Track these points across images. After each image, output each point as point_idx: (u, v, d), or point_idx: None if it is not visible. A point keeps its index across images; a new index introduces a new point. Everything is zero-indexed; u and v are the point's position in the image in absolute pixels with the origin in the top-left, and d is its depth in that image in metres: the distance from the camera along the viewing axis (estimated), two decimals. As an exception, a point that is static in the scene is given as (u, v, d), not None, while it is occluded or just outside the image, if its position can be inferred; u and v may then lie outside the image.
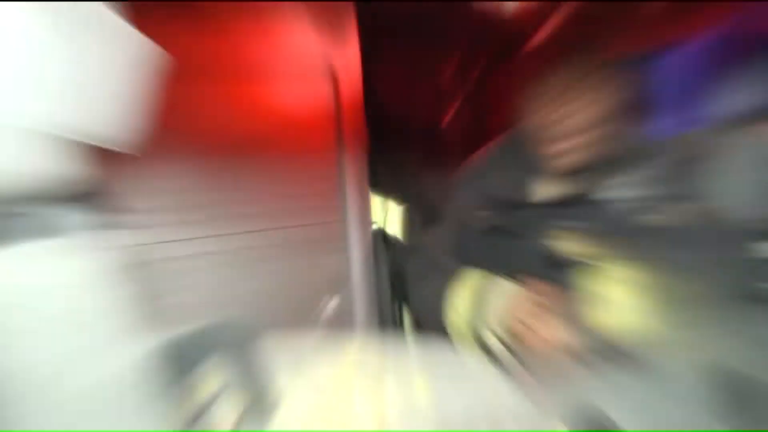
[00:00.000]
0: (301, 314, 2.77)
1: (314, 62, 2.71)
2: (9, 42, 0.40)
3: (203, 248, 2.59)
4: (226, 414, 0.58)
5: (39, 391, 0.39)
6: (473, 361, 0.81)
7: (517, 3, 2.56)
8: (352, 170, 2.84)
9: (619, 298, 1.57)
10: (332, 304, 2.86)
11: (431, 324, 2.00)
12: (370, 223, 2.92)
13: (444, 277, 2.02)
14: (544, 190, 2.01)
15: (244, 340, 0.41)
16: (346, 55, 2.76)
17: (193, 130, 2.55)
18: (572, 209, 1.81)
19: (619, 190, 1.86)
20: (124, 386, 0.41)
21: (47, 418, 0.40)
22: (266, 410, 0.43)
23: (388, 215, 3.00)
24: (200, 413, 0.42)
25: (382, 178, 2.97)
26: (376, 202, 2.94)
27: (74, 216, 0.98)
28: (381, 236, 2.94)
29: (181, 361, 0.41)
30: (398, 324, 3.05)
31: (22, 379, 0.39)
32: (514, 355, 1.70)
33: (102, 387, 0.40)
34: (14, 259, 0.39)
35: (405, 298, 2.98)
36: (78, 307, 0.40)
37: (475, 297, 1.88)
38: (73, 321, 0.39)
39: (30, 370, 0.39)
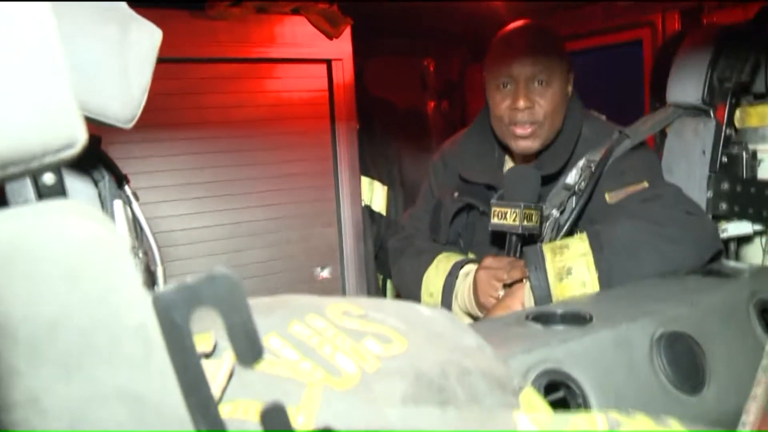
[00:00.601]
0: (297, 282, 2.78)
1: (311, 52, 2.69)
2: (19, 20, 0.38)
3: (203, 222, 2.59)
4: (218, 368, 0.57)
5: (33, 345, 0.38)
6: (446, 321, 0.80)
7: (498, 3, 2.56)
8: (345, 152, 2.83)
9: (577, 269, 1.58)
10: (325, 273, 2.86)
11: (408, 297, 2.02)
12: (360, 201, 2.92)
13: (418, 257, 2.03)
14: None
15: (234, 291, 0.40)
16: (341, 47, 2.74)
17: (195, 110, 2.54)
18: (512, 190, 1.80)
19: (573, 173, 1.86)
20: (125, 336, 0.40)
21: (40, 367, 0.39)
22: (254, 362, 0.42)
23: (374, 194, 2.99)
24: (193, 366, 0.41)
25: (369, 161, 2.97)
26: (363, 182, 2.94)
27: (84, 185, 0.97)
28: (368, 213, 2.95)
29: (173, 314, 0.40)
30: (383, 294, 3.06)
31: (16, 330, 0.38)
32: (481, 322, 1.71)
33: (99, 338, 0.39)
34: (23, 216, 0.38)
35: (387, 269, 2.98)
36: (72, 261, 0.39)
37: (444, 280, 1.90)
38: (78, 274, 0.38)
39: (26, 321, 0.38)
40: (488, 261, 1.78)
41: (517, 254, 1.78)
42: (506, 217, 1.75)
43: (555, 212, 1.81)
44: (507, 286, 1.72)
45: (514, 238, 1.78)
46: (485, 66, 1.98)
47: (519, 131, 1.85)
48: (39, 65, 0.39)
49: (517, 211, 1.73)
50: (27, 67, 0.39)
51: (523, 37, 1.91)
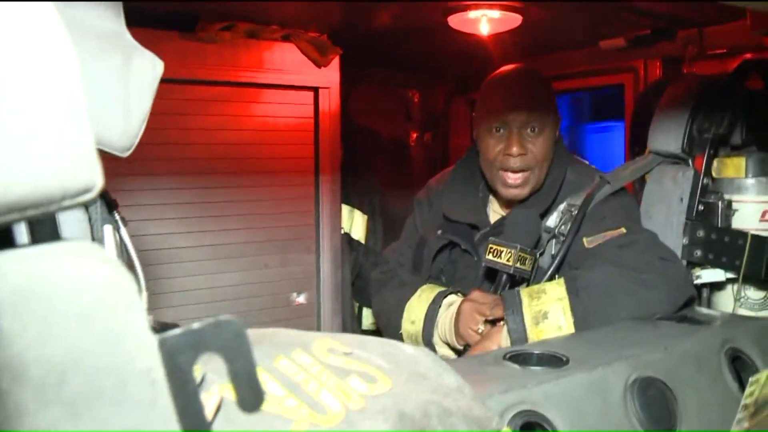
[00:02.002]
0: (272, 307, 2.77)
1: (299, 79, 2.71)
2: (47, 63, 0.40)
3: (182, 243, 2.58)
4: (206, 401, 0.58)
5: (43, 386, 0.39)
6: (428, 361, 0.82)
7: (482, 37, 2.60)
8: (327, 180, 2.84)
9: (554, 314, 1.61)
10: (300, 299, 2.86)
11: (388, 330, 2.03)
12: (340, 228, 2.93)
13: (401, 287, 2.05)
14: (495, 213, 2.05)
15: (239, 337, 0.41)
16: (328, 76, 2.77)
17: (179, 131, 2.54)
18: (512, 231, 1.83)
19: (554, 217, 1.90)
20: (133, 380, 0.41)
21: (49, 407, 0.40)
22: (255, 407, 0.43)
23: (354, 222, 3.01)
24: (195, 409, 0.42)
25: (351, 189, 2.99)
26: (344, 210, 2.95)
27: (75, 210, 0.97)
28: (346, 241, 2.96)
29: (178, 359, 0.41)
30: (358, 321, 3.07)
31: (27, 370, 0.39)
32: (460, 360, 1.73)
33: (108, 381, 0.40)
34: (36, 257, 0.39)
35: (364, 297, 2.99)
36: (86, 304, 0.40)
37: (427, 308, 1.91)
38: (89, 317, 0.39)
39: (37, 362, 0.39)
40: (475, 294, 1.80)
41: (503, 289, 1.80)
42: (501, 255, 1.78)
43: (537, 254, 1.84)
44: (489, 322, 1.74)
45: (504, 277, 1.81)
46: (477, 106, 2.01)
47: (510, 179, 1.89)
48: (64, 109, 0.41)
49: (513, 251, 1.76)
50: (52, 110, 0.40)
51: (518, 83, 1.95)
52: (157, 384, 0.41)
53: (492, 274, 1.87)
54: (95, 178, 0.41)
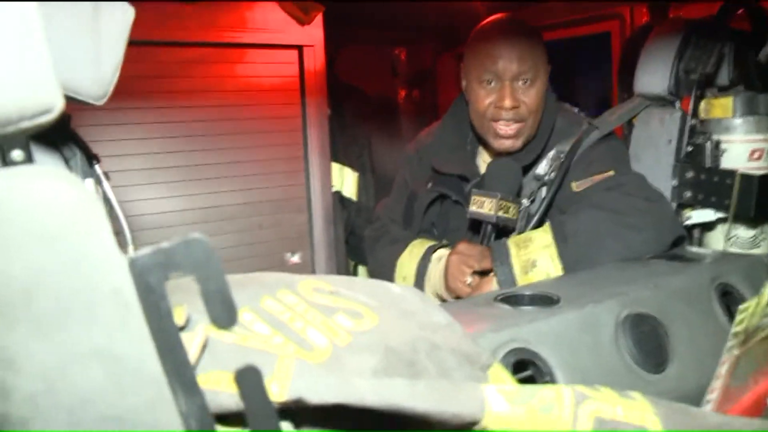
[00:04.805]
0: (267, 268, 2.77)
1: (282, 38, 2.68)
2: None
3: (172, 206, 2.57)
4: (191, 340, 0.57)
5: (9, 306, 0.38)
6: (417, 299, 0.81)
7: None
8: (315, 138, 2.82)
9: (542, 261, 1.61)
10: (295, 258, 2.86)
11: None
12: (330, 186, 2.91)
13: (393, 244, 2.04)
14: (484, 164, 2.03)
15: (208, 255, 0.40)
16: (312, 34, 2.73)
17: (167, 94, 2.51)
18: (492, 181, 1.82)
19: (543, 164, 1.89)
20: (101, 298, 0.40)
21: (15, 329, 0.39)
22: (229, 324, 0.43)
23: (344, 180, 3.00)
24: (168, 328, 0.41)
25: (340, 147, 2.97)
26: (334, 168, 2.94)
27: (55, 163, 0.95)
28: (338, 199, 2.95)
29: (148, 278, 0.40)
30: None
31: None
32: (451, 303, 1.73)
33: (75, 301, 0.39)
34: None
35: (358, 255, 2.99)
36: (52, 225, 0.39)
37: (417, 264, 1.91)
38: (53, 237, 0.38)
39: (6, 282, 0.38)
40: (461, 247, 1.79)
41: (490, 243, 1.79)
42: (483, 206, 1.77)
43: (525, 201, 1.82)
44: (477, 274, 1.74)
45: (489, 227, 1.80)
46: (465, 58, 1.98)
47: (502, 130, 1.86)
48: (17, 31, 0.39)
49: (494, 201, 1.75)
50: (4, 33, 0.38)
51: (509, 34, 1.91)
52: (128, 303, 0.40)
53: (478, 226, 1.86)
54: (54, 99, 0.40)
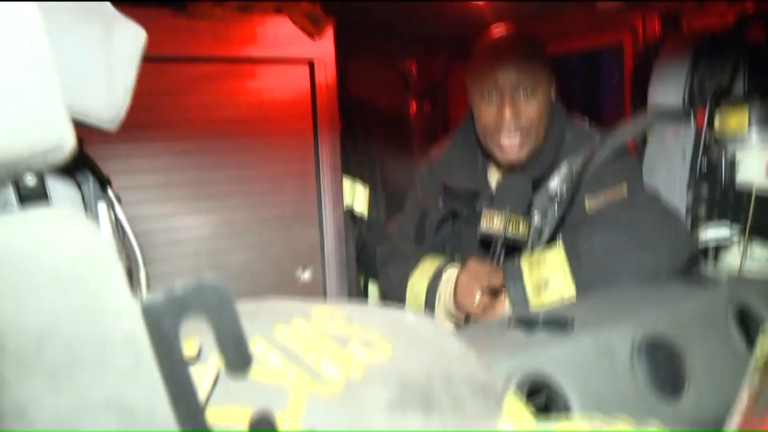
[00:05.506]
0: (278, 284, 2.76)
1: (293, 52, 2.68)
2: (7, 22, 0.38)
3: (184, 223, 2.57)
4: (203, 374, 0.57)
5: (21, 357, 0.38)
6: (430, 328, 0.80)
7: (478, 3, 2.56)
8: (327, 154, 2.82)
9: (555, 281, 1.60)
10: (306, 274, 2.85)
11: (394, 302, 2.04)
12: (342, 202, 2.91)
13: (405, 263, 2.04)
14: (493, 180, 2.02)
15: (223, 299, 0.40)
16: (323, 48, 2.73)
17: (175, 109, 2.52)
18: (502, 196, 1.82)
19: (555, 180, 1.88)
20: (113, 346, 0.39)
21: (28, 378, 0.38)
22: (242, 370, 0.42)
23: (356, 196, 2.99)
24: (182, 375, 0.41)
25: (351, 162, 2.97)
26: (345, 183, 2.93)
27: (68, 187, 0.96)
28: (349, 214, 2.94)
29: (162, 323, 0.40)
30: (364, 295, 3.06)
31: (3, 340, 0.37)
32: (463, 328, 1.72)
33: (88, 348, 0.39)
34: (11, 224, 0.38)
35: (369, 271, 2.98)
36: (62, 270, 0.39)
37: (428, 282, 1.91)
38: (66, 283, 0.38)
39: (13, 332, 0.37)
40: (471, 264, 1.79)
41: (500, 260, 1.79)
42: (493, 222, 1.77)
43: (537, 218, 1.82)
44: (488, 291, 1.73)
45: (499, 243, 1.79)
46: (468, 72, 1.99)
47: (505, 142, 1.86)
48: (27, 67, 0.39)
49: (503, 216, 1.75)
50: (14, 69, 0.38)
51: (507, 46, 1.92)
52: (140, 349, 0.40)
53: (490, 243, 1.85)
54: (65, 136, 0.40)
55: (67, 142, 0.40)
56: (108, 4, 0.87)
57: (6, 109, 0.37)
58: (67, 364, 0.38)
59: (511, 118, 1.83)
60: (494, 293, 1.73)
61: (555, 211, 1.82)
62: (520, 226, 1.76)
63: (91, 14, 0.83)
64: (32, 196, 0.77)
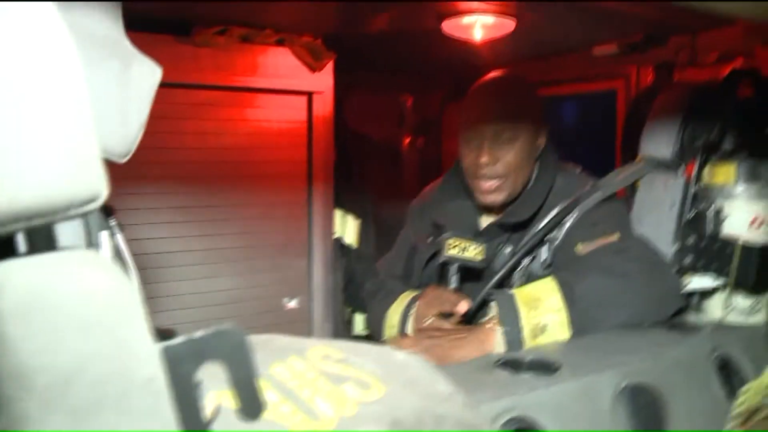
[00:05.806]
0: (264, 311, 2.77)
1: (292, 84, 2.72)
2: (39, 63, 0.41)
3: (174, 247, 2.58)
4: (219, 418, 0.59)
5: (47, 394, 0.40)
6: (420, 367, 0.82)
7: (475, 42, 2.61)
8: (320, 185, 2.85)
9: (552, 327, 1.61)
10: (292, 303, 2.86)
11: (378, 340, 2.06)
12: (332, 233, 2.93)
13: (387, 297, 2.08)
14: (485, 221, 2.06)
15: (240, 346, 0.42)
16: (322, 80, 2.77)
17: (176, 135, 2.54)
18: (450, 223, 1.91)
19: (542, 223, 1.91)
20: (134, 389, 0.41)
21: (52, 415, 0.40)
22: (255, 416, 0.44)
23: (346, 227, 3.01)
24: (197, 419, 0.43)
25: (343, 193, 2.99)
26: (336, 214, 2.95)
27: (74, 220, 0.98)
28: (339, 246, 2.96)
29: (180, 368, 0.42)
30: (349, 326, 3.07)
31: (33, 379, 0.39)
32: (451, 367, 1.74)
33: (111, 390, 0.41)
34: (41, 266, 0.40)
35: (355, 302, 3.00)
36: (90, 314, 0.41)
37: (402, 311, 1.95)
38: (92, 327, 0.40)
39: (42, 371, 0.39)
40: (427, 291, 1.86)
41: (452, 284, 1.88)
42: (446, 248, 1.87)
43: (525, 260, 1.85)
44: (442, 315, 1.77)
45: (450, 268, 1.88)
46: (459, 114, 2.04)
47: (482, 186, 1.91)
48: (70, 117, 0.41)
49: (450, 241, 1.86)
50: (58, 119, 0.41)
51: (491, 92, 1.98)
52: (159, 393, 0.42)
53: (470, 272, 1.91)
54: (100, 187, 0.42)
55: (102, 192, 0.42)
56: (127, 40, 0.90)
57: (47, 159, 0.39)
58: (90, 404, 0.40)
59: (486, 163, 1.87)
60: (448, 316, 1.77)
61: (544, 254, 1.86)
62: (469, 249, 1.82)
63: (110, 50, 0.86)
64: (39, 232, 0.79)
